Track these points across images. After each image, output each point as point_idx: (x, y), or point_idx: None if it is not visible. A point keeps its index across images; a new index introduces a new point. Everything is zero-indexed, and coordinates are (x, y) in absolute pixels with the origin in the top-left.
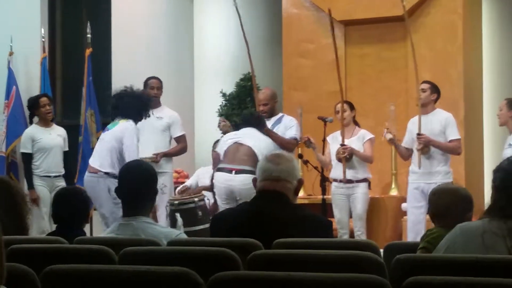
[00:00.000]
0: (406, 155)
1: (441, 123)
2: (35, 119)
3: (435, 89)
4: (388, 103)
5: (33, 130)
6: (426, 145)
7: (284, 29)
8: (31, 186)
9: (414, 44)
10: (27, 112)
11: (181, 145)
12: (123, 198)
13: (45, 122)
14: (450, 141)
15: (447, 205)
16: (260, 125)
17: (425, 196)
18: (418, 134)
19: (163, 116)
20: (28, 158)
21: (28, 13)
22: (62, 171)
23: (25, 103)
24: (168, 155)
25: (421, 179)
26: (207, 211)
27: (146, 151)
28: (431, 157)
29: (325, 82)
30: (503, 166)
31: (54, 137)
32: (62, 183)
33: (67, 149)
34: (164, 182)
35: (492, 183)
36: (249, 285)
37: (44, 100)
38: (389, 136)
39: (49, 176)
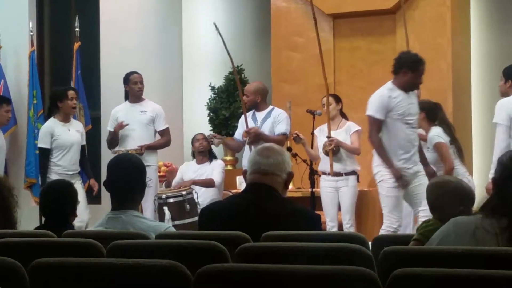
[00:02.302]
0: None
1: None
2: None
3: None
4: None
5: (52, 125)
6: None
7: (273, 22)
8: (44, 182)
9: (403, 37)
10: (15, 106)
11: (165, 138)
12: (111, 191)
13: (66, 117)
14: None
15: (436, 199)
16: None
17: None
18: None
19: (146, 110)
20: (45, 153)
21: (16, 7)
22: (79, 169)
23: (13, 96)
24: (152, 147)
25: None
26: (196, 205)
27: (130, 145)
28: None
29: (314, 75)
30: (503, 160)
31: (73, 133)
32: (78, 180)
33: (84, 143)
34: (149, 175)
35: (494, 173)
36: (237, 277)
37: (71, 93)
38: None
39: (67, 174)
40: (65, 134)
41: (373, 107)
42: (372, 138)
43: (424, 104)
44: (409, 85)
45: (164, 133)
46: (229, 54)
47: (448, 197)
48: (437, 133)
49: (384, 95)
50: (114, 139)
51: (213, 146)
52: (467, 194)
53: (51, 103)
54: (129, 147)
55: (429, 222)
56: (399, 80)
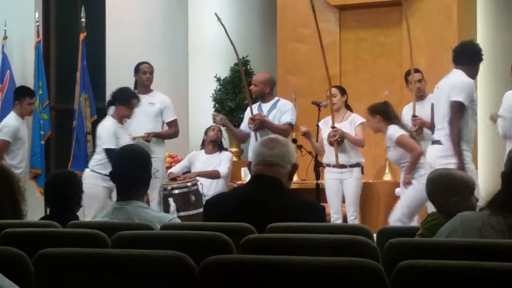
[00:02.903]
0: None
1: None
2: (111, 110)
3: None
4: (383, 88)
5: (114, 126)
6: (421, 127)
7: (279, 13)
8: None
9: (410, 29)
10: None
11: (173, 129)
12: (117, 182)
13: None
14: None
15: (431, 194)
16: None
17: None
18: (414, 116)
19: (155, 101)
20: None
21: None
22: None
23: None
24: (159, 136)
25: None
26: (201, 196)
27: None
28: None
29: (320, 67)
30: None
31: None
32: None
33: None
34: (156, 167)
35: (504, 167)
36: (242, 269)
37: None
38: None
39: None
40: (125, 138)
41: (462, 93)
42: (455, 125)
43: (376, 107)
44: (475, 75)
45: (172, 124)
46: (232, 44)
47: (440, 191)
48: (394, 130)
49: (471, 82)
50: None
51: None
52: (460, 185)
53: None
54: (136, 135)
55: (433, 216)
56: (469, 70)
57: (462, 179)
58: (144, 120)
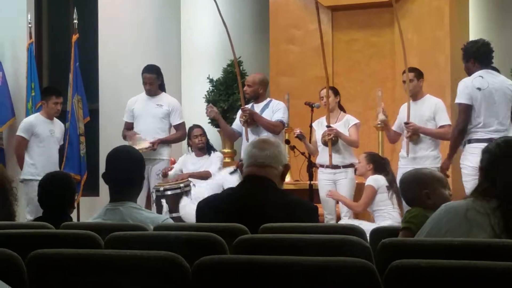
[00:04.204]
0: (395, 138)
1: (430, 109)
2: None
3: (420, 74)
4: (375, 88)
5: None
6: (414, 133)
7: (271, 15)
8: None
9: (401, 30)
10: (13, 98)
11: (180, 133)
12: (110, 183)
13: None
14: (441, 126)
15: (404, 194)
16: None
17: None
18: (406, 123)
19: (162, 103)
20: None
21: None
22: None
23: (11, 89)
24: (165, 142)
25: (410, 164)
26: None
27: (144, 138)
28: (420, 142)
29: (312, 68)
30: (490, 148)
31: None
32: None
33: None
34: (161, 168)
35: (480, 163)
36: (235, 269)
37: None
38: (381, 117)
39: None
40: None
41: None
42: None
43: (375, 158)
44: None
45: (180, 127)
46: (228, 35)
47: (412, 187)
48: (373, 179)
49: None
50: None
51: (209, 138)
52: (429, 178)
53: None
54: (141, 146)
55: (410, 211)
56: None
57: (431, 173)
58: (150, 121)
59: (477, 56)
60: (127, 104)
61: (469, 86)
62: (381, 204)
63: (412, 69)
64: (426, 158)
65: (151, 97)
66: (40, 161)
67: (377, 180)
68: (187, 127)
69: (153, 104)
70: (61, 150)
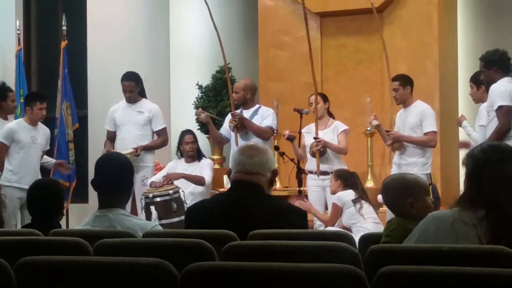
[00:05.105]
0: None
1: (417, 115)
2: None
3: (406, 81)
4: (364, 94)
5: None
6: (396, 141)
7: (260, 20)
8: None
9: (390, 36)
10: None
11: (161, 139)
12: (99, 190)
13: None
14: (425, 133)
15: (386, 198)
16: None
17: None
18: (387, 131)
19: (143, 110)
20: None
21: (3, 5)
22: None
23: None
24: (148, 148)
25: (400, 171)
26: (182, 204)
27: (127, 146)
28: (407, 149)
29: (301, 74)
30: (475, 153)
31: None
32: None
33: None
34: (145, 174)
35: (465, 169)
36: (224, 276)
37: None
38: (375, 122)
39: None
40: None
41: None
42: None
43: (341, 173)
44: None
45: (161, 133)
46: (221, 43)
47: (396, 194)
48: (342, 195)
49: None
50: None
51: (199, 144)
52: (414, 185)
53: None
54: (124, 151)
55: (391, 222)
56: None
57: (415, 180)
58: (132, 129)
59: (500, 63)
60: (108, 113)
61: (508, 89)
62: (353, 218)
63: (396, 78)
64: (414, 165)
65: (131, 104)
66: (18, 168)
67: (340, 198)
68: (175, 134)
69: (134, 112)
70: (50, 156)
